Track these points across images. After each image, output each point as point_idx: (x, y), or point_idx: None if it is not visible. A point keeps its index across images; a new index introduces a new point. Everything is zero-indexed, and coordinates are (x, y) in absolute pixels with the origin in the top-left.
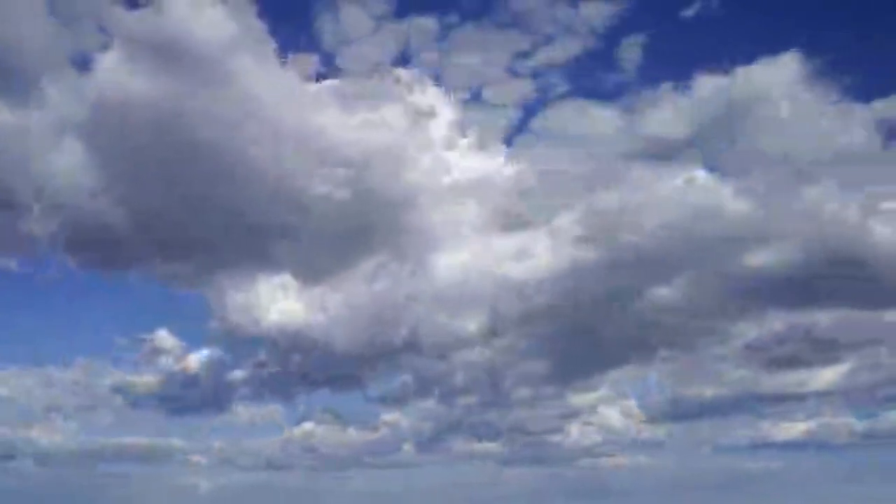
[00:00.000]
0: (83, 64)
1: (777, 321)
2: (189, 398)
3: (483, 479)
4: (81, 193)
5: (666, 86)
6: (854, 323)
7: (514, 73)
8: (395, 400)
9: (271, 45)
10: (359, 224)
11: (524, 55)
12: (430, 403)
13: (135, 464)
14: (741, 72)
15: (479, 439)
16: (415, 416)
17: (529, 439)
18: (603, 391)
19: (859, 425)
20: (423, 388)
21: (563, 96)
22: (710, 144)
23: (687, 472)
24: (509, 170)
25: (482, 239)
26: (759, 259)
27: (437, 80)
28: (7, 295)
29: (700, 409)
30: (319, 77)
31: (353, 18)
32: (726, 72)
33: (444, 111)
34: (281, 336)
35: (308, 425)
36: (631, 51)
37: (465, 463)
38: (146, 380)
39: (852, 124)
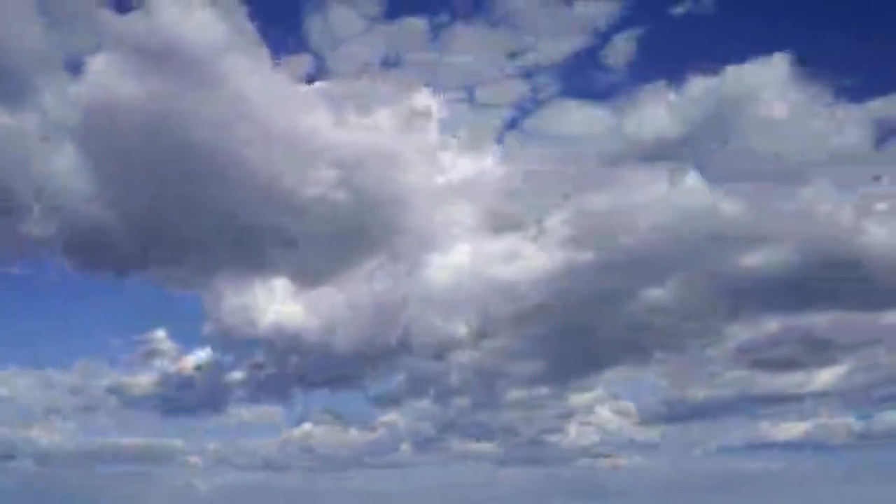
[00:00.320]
0: (75, 67)
1: (771, 323)
2: (186, 399)
3: (480, 479)
4: (76, 196)
5: (658, 85)
6: (849, 324)
7: (506, 74)
8: (393, 400)
9: (262, 47)
10: (353, 225)
11: (516, 55)
12: (427, 404)
13: (133, 464)
14: (734, 71)
15: (477, 440)
16: (412, 416)
17: (526, 440)
18: (599, 392)
19: (857, 426)
20: (421, 388)
21: (555, 96)
22: (702, 144)
23: (683, 473)
24: (501, 170)
25: (475, 239)
26: (752, 260)
27: (429, 80)
28: (6, 297)
29: (696, 410)
30: (310, 78)
31: (344, 19)
32: (718, 71)
33: (436, 112)
34: (278, 337)
35: (306, 426)
36: (623, 50)
37: (462, 463)
38: (144, 381)
39: (845, 124)
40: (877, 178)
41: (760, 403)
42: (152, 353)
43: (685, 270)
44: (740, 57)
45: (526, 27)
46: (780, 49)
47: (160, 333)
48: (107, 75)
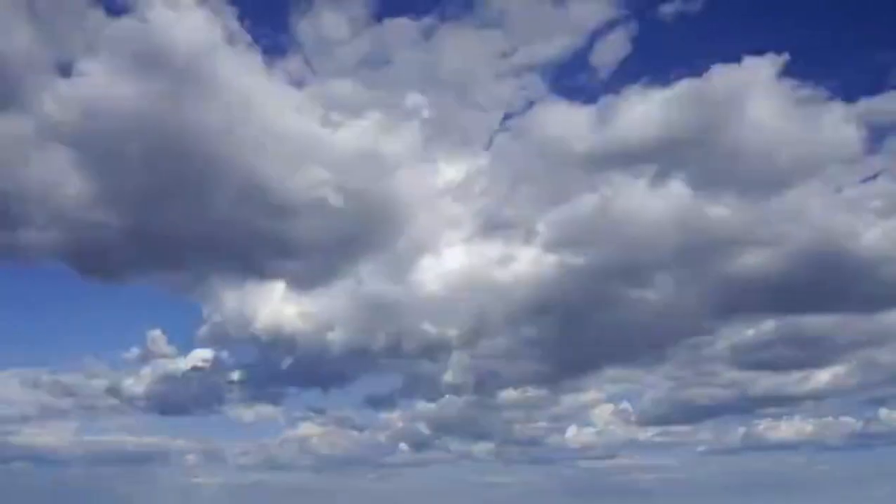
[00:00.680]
0: (66, 69)
1: (766, 324)
2: (184, 400)
3: (478, 479)
4: (72, 199)
5: (647, 86)
6: (840, 326)
7: (495, 75)
8: (392, 401)
9: (253, 50)
10: (346, 228)
11: (505, 55)
12: (425, 404)
13: (132, 464)
14: (722, 72)
15: (475, 440)
16: (410, 417)
17: (524, 440)
18: (597, 393)
19: (857, 425)
20: (419, 389)
21: (544, 97)
22: (693, 145)
23: (682, 474)
24: (491, 172)
25: (467, 240)
26: (742, 262)
27: (418, 82)
28: (6, 299)
29: (694, 411)
30: (300, 81)
31: (332, 22)
32: (704, 73)
33: (425, 113)
34: (275, 339)
35: (304, 426)
36: (612, 51)
37: (460, 463)
38: (143, 382)
39: (834, 125)
40: (867, 179)
41: (758, 404)
42: (151, 355)
43: (677, 272)
44: (730, 58)
45: (515, 28)
46: (768, 50)
47: (158, 336)
48: (98, 78)
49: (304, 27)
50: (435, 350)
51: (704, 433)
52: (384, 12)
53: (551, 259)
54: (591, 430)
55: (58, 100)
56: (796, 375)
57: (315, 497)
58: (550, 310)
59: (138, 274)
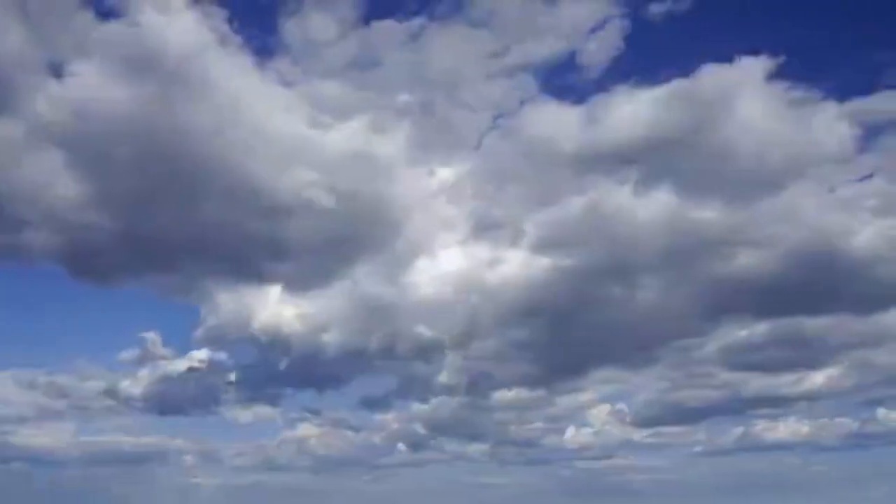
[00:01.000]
0: (58, 72)
1: (761, 325)
2: (182, 401)
3: (473, 480)
4: (64, 201)
5: (637, 86)
6: (835, 327)
7: (485, 75)
8: (387, 402)
9: (244, 52)
10: (338, 229)
11: (495, 56)
12: (420, 406)
13: (129, 465)
14: (713, 71)
15: (469, 441)
16: (406, 418)
17: (518, 441)
18: (591, 395)
19: (853, 426)
20: (413, 390)
21: (535, 97)
22: (683, 146)
23: (679, 475)
24: (481, 172)
25: (461, 242)
26: (737, 262)
27: (408, 82)
28: (2, 301)
29: (690, 412)
30: (290, 83)
31: (321, 23)
32: (694, 73)
33: (415, 114)
34: (271, 341)
35: (302, 427)
36: (603, 50)
37: (456, 464)
38: (140, 383)
39: (826, 125)
40: (861, 178)
41: (754, 404)
42: (148, 357)
43: (670, 273)
44: (721, 58)
45: (505, 29)
46: (759, 50)
47: (155, 338)
48: (90, 79)
49: (292, 28)
50: (429, 351)
51: (700, 434)
52: (373, 13)
53: (543, 261)
54: (585, 431)
55: (49, 101)
56: (791, 376)
57: (312, 498)
58: (547, 312)
59: (130, 277)
